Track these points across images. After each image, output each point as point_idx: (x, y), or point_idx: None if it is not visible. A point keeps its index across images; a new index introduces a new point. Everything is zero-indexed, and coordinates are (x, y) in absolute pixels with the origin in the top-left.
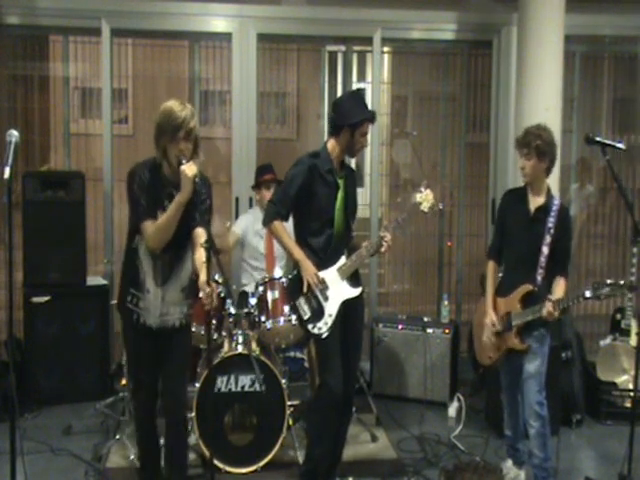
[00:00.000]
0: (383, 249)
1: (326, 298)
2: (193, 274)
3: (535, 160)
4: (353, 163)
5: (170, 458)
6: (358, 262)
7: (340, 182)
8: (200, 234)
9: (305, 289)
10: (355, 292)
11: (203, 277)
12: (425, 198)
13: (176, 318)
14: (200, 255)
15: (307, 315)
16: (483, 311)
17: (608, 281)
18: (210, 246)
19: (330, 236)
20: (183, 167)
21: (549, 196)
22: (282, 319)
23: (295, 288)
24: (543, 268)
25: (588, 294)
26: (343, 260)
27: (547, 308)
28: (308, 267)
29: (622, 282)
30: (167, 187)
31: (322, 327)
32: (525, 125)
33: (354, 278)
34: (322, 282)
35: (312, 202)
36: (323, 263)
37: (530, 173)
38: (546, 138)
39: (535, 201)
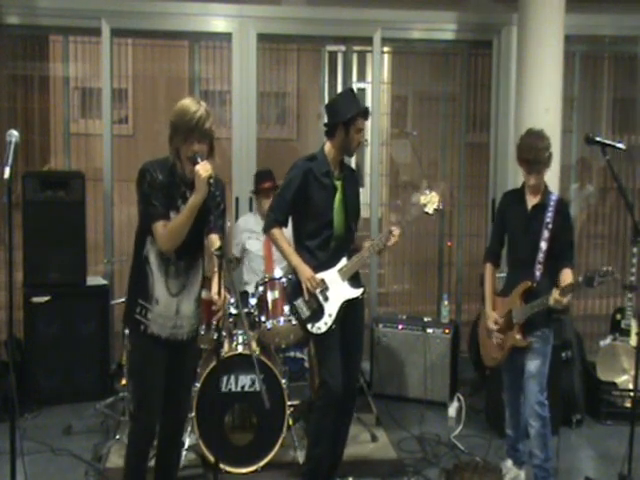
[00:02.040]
0: (390, 242)
1: (326, 298)
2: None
3: (544, 170)
4: (353, 163)
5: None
6: (359, 263)
7: (337, 184)
8: (214, 241)
9: (306, 295)
10: (356, 293)
11: (215, 287)
12: (430, 200)
13: (186, 332)
14: (213, 263)
15: (306, 315)
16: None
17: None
18: (222, 254)
19: (329, 238)
20: (197, 167)
21: (546, 193)
22: (282, 319)
23: (294, 291)
24: (542, 264)
25: (580, 279)
26: (344, 261)
27: (554, 295)
28: (304, 271)
29: (609, 269)
30: (180, 187)
31: (321, 327)
32: (525, 126)
33: (355, 279)
34: (321, 283)
35: (309, 205)
36: (322, 265)
37: (540, 184)
38: (548, 145)
39: (532, 200)
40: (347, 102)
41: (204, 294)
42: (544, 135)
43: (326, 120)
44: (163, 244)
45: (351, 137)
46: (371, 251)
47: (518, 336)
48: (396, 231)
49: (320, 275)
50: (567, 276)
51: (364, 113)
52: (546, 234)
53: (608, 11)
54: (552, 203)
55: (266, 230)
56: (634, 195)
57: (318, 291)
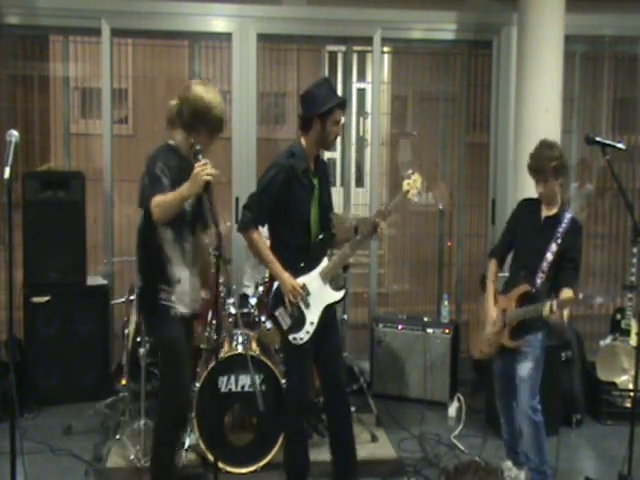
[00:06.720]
0: (374, 238)
1: (307, 305)
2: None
3: (552, 180)
4: (353, 163)
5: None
6: (341, 262)
7: (315, 182)
8: (211, 235)
9: (288, 306)
10: (337, 296)
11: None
12: (412, 185)
13: (196, 306)
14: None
15: (288, 324)
16: (484, 308)
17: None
18: (220, 254)
19: (308, 238)
20: (198, 169)
21: (562, 208)
22: None
23: (275, 301)
24: (545, 273)
25: (580, 296)
26: (325, 262)
27: (549, 304)
28: (286, 281)
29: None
30: (191, 169)
31: (303, 337)
32: (525, 126)
33: (337, 280)
34: (303, 288)
35: (289, 205)
36: (304, 267)
37: (548, 194)
38: (557, 155)
39: (547, 211)
40: (323, 93)
41: (202, 294)
42: (554, 146)
43: (301, 111)
44: (155, 212)
45: (328, 130)
46: (353, 248)
47: (507, 337)
48: (382, 225)
49: (301, 279)
50: (566, 293)
51: (342, 104)
52: (554, 247)
53: (608, 11)
54: (566, 220)
55: (242, 230)
56: (634, 195)
57: (299, 299)
